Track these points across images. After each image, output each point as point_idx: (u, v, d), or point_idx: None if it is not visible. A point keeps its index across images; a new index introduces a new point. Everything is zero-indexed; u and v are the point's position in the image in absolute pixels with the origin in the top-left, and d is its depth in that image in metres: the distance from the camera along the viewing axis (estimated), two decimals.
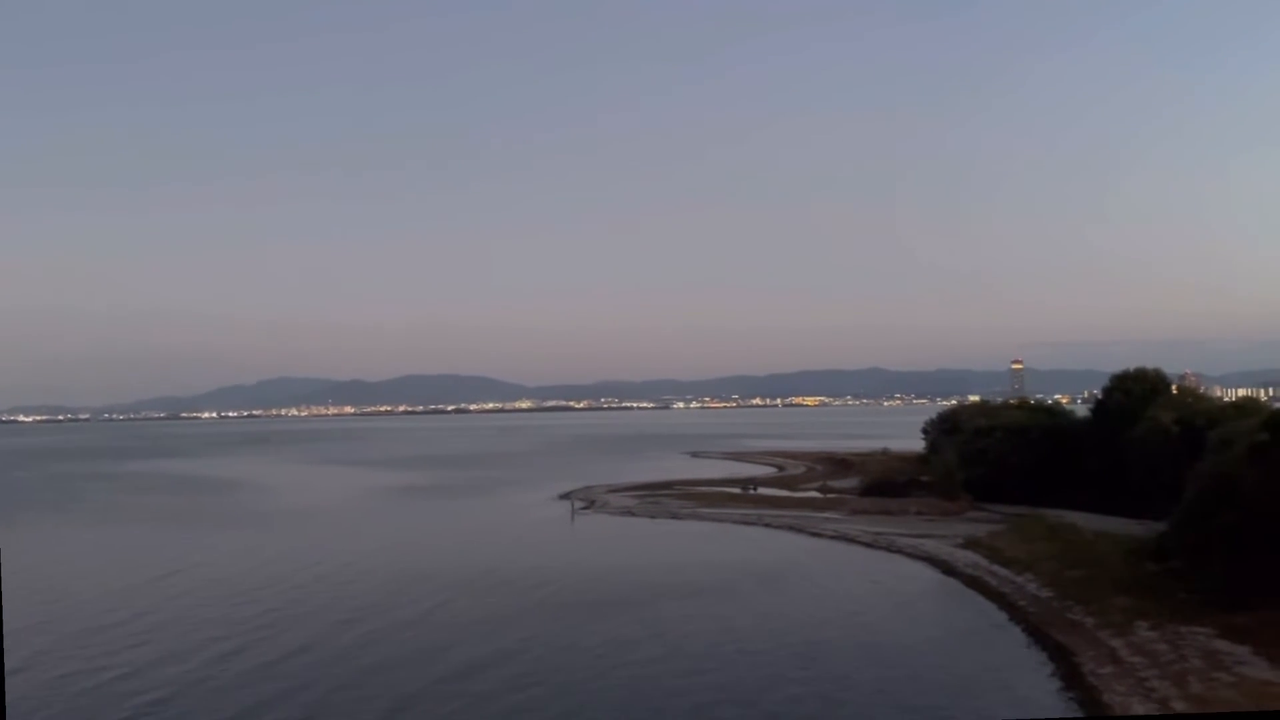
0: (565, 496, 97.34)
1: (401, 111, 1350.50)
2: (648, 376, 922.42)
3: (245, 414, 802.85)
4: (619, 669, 37.33)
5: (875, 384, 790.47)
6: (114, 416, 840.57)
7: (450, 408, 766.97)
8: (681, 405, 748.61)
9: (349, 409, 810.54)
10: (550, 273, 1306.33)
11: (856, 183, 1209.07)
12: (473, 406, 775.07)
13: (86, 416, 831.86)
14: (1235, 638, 35.42)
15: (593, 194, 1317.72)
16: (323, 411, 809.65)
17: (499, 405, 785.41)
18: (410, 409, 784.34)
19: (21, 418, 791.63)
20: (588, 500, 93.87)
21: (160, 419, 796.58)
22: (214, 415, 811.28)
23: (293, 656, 39.23)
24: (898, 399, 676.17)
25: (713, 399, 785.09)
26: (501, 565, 59.60)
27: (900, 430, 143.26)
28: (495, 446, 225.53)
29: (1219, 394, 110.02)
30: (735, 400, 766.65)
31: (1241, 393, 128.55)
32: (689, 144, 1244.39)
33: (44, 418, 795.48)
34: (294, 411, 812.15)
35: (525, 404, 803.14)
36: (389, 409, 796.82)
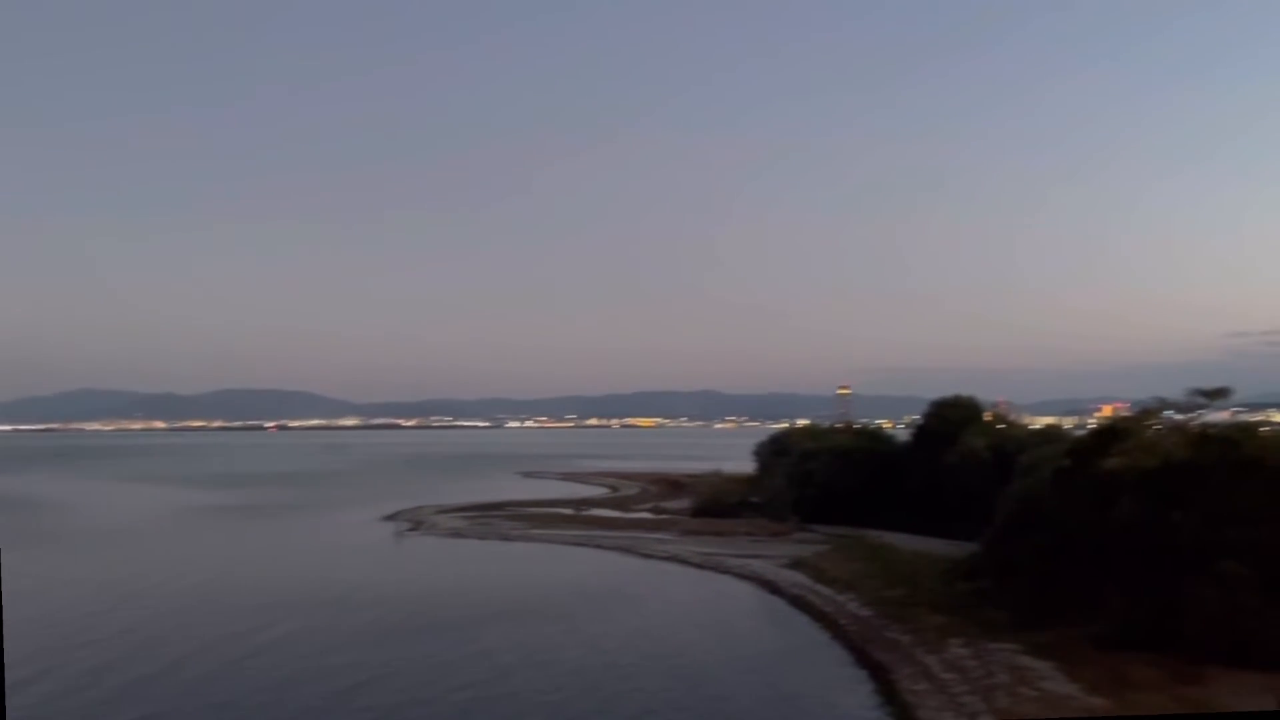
0: (391, 517, 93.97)
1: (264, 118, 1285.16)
2: (481, 394, 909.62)
3: (42, 427, 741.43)
4: (445, 694, 35.90)
5: (709, 406, 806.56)
6: None
7: (271, 424, 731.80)
8: (516, 424, 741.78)
9: (159, 424, 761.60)
10: (378, 286, 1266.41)
11: (690, 206, 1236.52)
12: (295, 423, 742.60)
13: None
14: (1039, 654, 37.13)
15: (422, 207, 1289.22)
16: (130, 426, 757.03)
17: (324, 422, 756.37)
18: (227, 424, 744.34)
19: None
20: (415, 521, 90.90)
21: None
22: (6, 428, 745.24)
23: (116, 694, 35.88)
24: (730, 421, 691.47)
25: (548, 418, 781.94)
26: (323, 589, 56.69)
27: (732, 452, 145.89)
28: (318, 465, 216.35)
29: (1028, 421, 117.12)
30: (571, 420, 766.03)
31: (1048, 420, 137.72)
32: (525, 164, 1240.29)
33: None
34: (97, 426, 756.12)
35: (351, 421, 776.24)
36: (204, 424, 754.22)
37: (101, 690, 36.52)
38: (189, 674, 38.73)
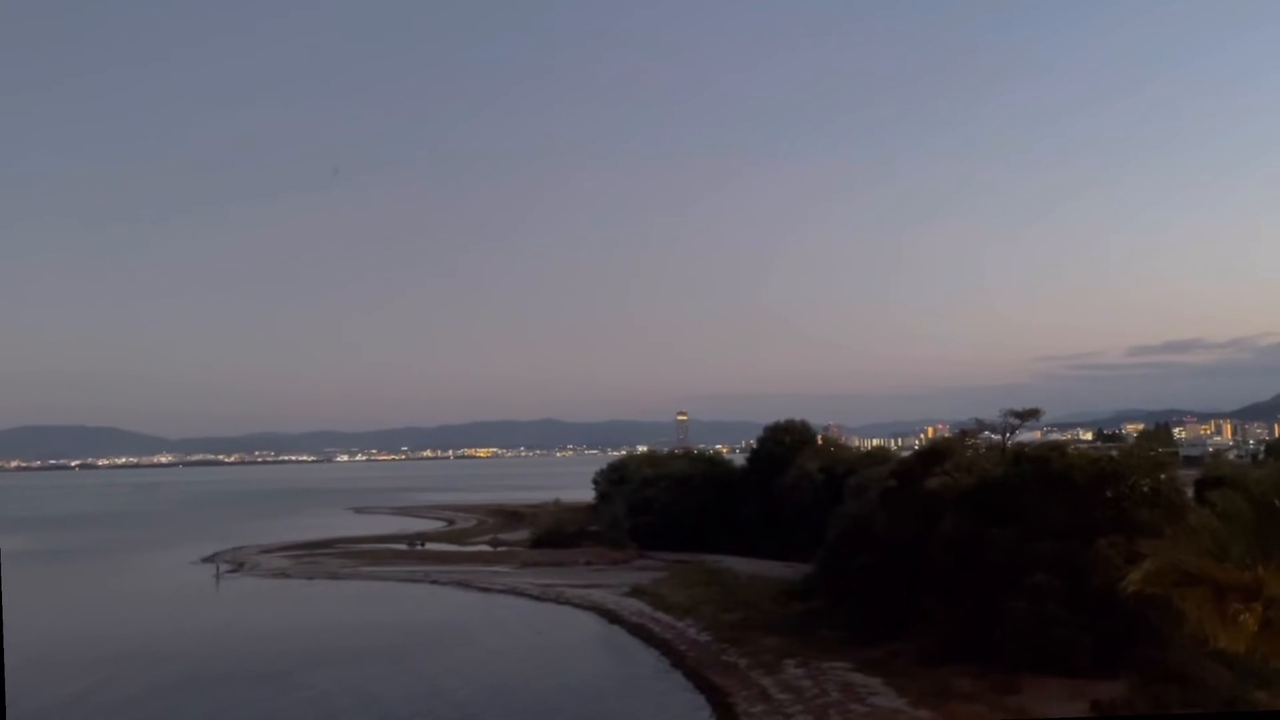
0: (210, 559, 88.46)
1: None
2: (307, 428, 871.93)
3: None
4: None
5: (548, 435, 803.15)
6: None
7: (75, 463, 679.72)
8: (346, 458, 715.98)
9: None
10: (191, 315, 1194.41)
11: (519, 235, 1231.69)
12: (102, 461, 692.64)
13: None
14: (869, 670, 38.22)
15: (240, 234, 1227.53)
16: None
17: (135, 460, 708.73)
18: (25, 465, 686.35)
19: None
20: (235, 562, 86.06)
21: None
22: None
23: None
24: (570, 450, 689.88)
25: (380, 451, 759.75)
26: (134, 639, 52.83)
27: (572, 481, 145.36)
28: (128, 505, 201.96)
29: (857, 444, 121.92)
30: (404, 453, 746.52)
31: (876, 442, 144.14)
32: (347, 184, 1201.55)
33: None
34: None
35: (165, 458, 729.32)
36: None
37: None
38: None
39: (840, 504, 51.65)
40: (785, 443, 76.77)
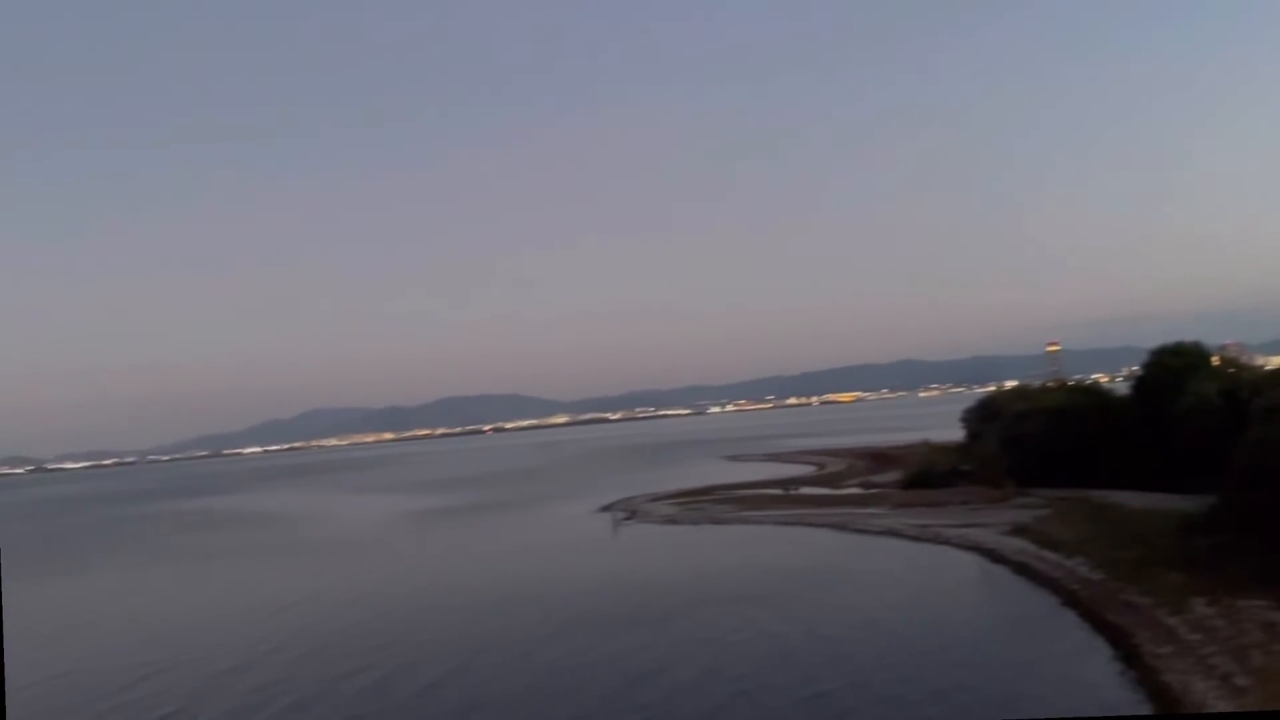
0: (607, 508, 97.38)
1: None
2: (680, 383, 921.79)
3: (286, 447, 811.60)
4: (678, 681, 37.28)
5: (909, 376, 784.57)
6: (159, 458, 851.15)
7: (487, 427, 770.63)
8: (717, 409, 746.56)
9: (388, 435, 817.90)
10: (572, 286, 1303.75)
11: (878, 178, 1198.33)
12: (509, 425, 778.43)
13: (132, 460, 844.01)
14: None
15: (608, 205, 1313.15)
16: (362, 439, 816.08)
17: (535, 422, 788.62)
18: (448, 431, 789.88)
19: (69, 464, 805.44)
20: (630, 511, 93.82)
21: (203, 457, 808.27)
22: (257, 450, 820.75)
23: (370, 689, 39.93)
24: (934, 389, 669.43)
25: (747, 401, 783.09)
26: (547, 580, 60.04)
27: (938, 421, 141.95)
28: (533, 462, 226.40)
29: (1262, 362, 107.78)
30: (770, 401, 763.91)
31: None
32: (708, 151, 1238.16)
33: (90, 464, 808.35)
34: (333, 442, 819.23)
35: (561, 419, 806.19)
36: (427, 432, 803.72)
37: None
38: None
39: (1245, 429, 46.94)
40: (1174, 367, 70.16)
